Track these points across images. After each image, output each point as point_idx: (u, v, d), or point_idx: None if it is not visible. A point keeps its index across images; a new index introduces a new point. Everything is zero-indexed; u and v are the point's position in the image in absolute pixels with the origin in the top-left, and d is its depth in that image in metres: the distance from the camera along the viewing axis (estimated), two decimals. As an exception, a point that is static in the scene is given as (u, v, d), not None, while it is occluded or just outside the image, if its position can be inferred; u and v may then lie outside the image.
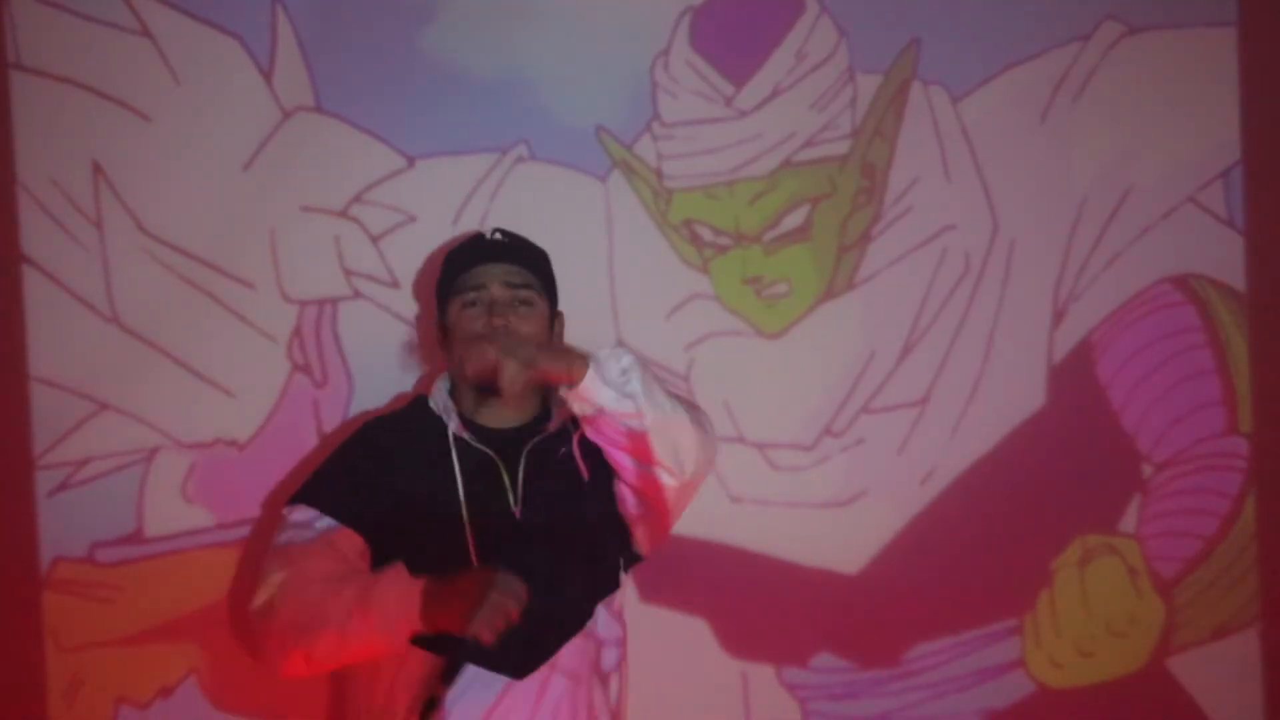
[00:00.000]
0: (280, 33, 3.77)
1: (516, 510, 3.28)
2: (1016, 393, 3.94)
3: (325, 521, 3.28)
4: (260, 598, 3.22)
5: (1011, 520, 3.92)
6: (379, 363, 3.74)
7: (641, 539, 3.41)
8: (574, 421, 3.25)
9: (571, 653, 3.27)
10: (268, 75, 3.76)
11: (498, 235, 3.44)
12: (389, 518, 3.28)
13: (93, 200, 3.75)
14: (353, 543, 3.27)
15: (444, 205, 3.77)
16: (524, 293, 3.35)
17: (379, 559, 3.21)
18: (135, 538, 3.72)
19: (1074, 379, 3.93)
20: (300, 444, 3.80)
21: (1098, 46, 3.91)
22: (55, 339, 3.75)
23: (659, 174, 3.82)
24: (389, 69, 3.74)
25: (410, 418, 3.44)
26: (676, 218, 3.82)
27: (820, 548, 3.91)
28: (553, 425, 3.36)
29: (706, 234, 3.83)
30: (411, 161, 3.73)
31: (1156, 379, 3.95)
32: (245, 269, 3.78)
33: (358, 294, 3.78)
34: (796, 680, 3.88)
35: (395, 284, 3.76)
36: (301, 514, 3.31)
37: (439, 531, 3.27)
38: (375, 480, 3.32)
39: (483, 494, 3.31)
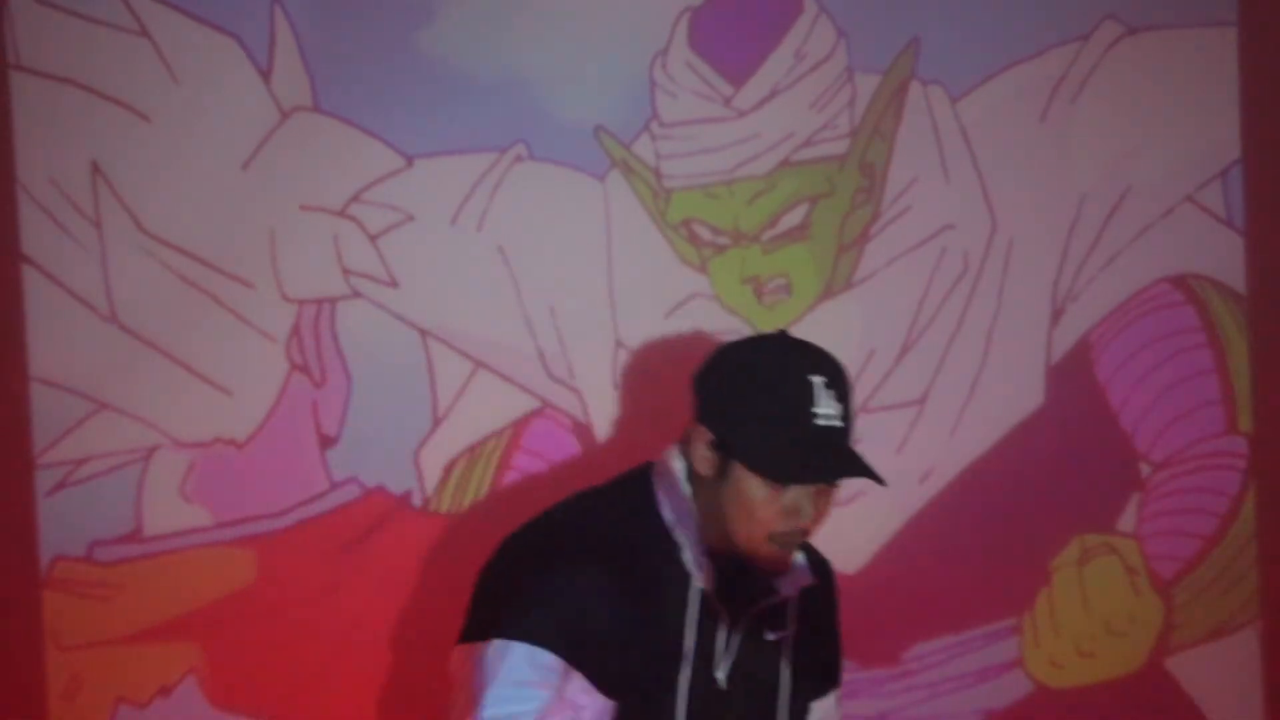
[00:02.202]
0: (278, 32, 3.77)
1: (720, 678, 3.02)
2: (1015, 392, 3.94)
3: (568, 679, 2.87)
4: None
5: (1010, 519, 3.93)
6: (377, 362, 3.75)
7: None
8: (807, 592, 3.06)
9: None
10: (266, 75, 3.76)
11: (836, 419, 2.95)
12: (613, 660, 2.95)
13: (92, 200, 3.75)
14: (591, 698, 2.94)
15: (443, 204, 3.77)
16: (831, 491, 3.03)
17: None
18: (134, 537, 3.74)
19: (1072, 378, 3.94)
20: (299, 444, 3.80)
21: (1097, 46, 3.91)
22: (55, 338, 3.75)
23: (658, 173, 3.82)
24: (387, 68, 3.75)
25: (642, 537, 3.04)
26: (675, 217, 3.82)
27: (819, 545, 3.69)
28: (785, 590, 3.06)
29: (705, 233, 3.83)
30: (410, 161, 3.74)
31: (1155, 378, 3.95)
32: (244, 268, 3.78)
33: (356, 293, 3.77)
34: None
35: (393, 283, 3.76)
36: (535, 657, 2.88)
37: (652, 689, 2.99)
38: (611, 624, 2.94)
39: (704, 655, 3.03)
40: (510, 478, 3.80)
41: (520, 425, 3.80)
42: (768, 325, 3.77)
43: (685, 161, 3.81)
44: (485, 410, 3.78)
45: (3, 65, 3.72)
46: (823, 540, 3.60)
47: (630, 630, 2.92)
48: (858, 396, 3.46)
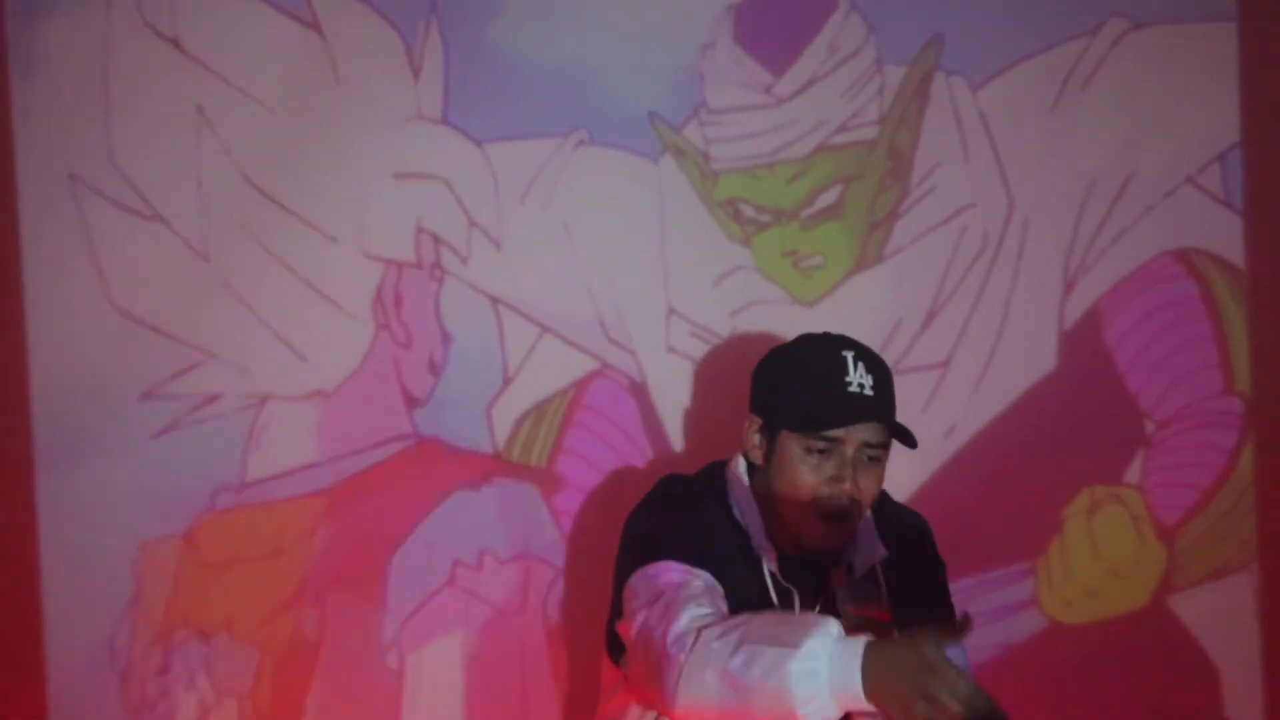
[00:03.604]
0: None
1: None
2: (1030, 356, 3.97)
3: (702, 578, 2.91)
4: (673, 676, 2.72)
5: (1026, 472, 3.96)
6: (453, 327, 3.79)
7: None
8: (883, 564, 3.09)
9: None
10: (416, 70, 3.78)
11: (868, 389, 3.06)
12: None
13: (195, 142, 3.76)
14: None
15: (513, 185, 3.82)
16: (875, 451, 3.06)
17: None
18: (238, 486, 3.79)
19: (1083, 344, 3.97)
20: (386, 397, 3.81)
21: (1104, 41, 3.94)
22: (165, 285, 3.77)
23: (706, 156, 3.87)
24: (462, 60, 3.81)
25: (728, 522, 3.12)
26: (722, 196, 3.88)
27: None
28: (859, 569, 3.10)
29: (749, 211, 3.89)
30: (480, 144, 3.80)
31: (1158, 344, 3.98)
32: (335, 229, 3.80)
33: (435, 265, 3.81)
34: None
35: (467, 257, 3.82)
36: (673, 572, 2.94)
37: None
38: (723, 571, 2.98)
39: None
40: (572, 432, 3.85)
41: (582, 384, 3.86)
42: (805, 295, 3.90)
43: (730, 145, 3.88)
44: (550, 371, 3.83)
45: (3, 58, 3.69)
46: None
47: (729, 593, 2.94)
48: (886, 360, 3.45)
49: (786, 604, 3.04)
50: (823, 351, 3.08)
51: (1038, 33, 3.94)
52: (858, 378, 3.03)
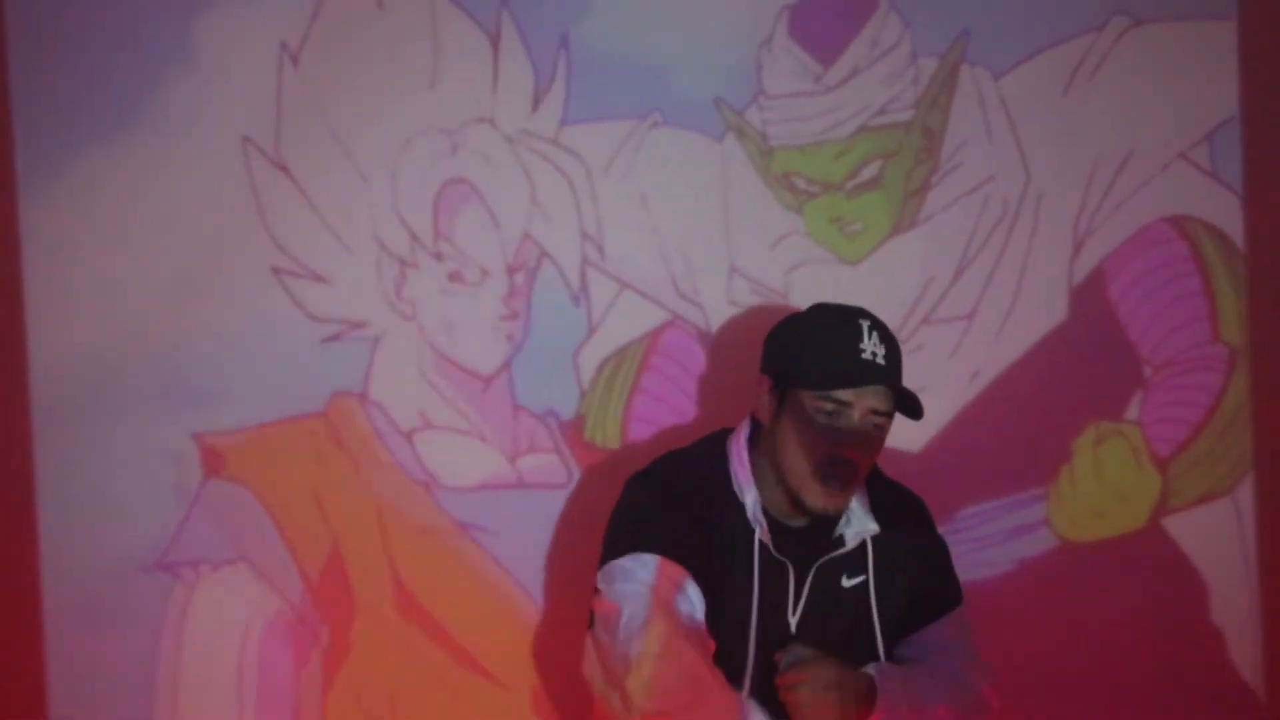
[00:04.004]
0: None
1: (793, 623, 3.04)
2: (1044, 309, 4.02)
3: (661, 568, 2.93)
4: (634, 682, 2.85)
5: (1039, 409, 4.01)
6: (544, 283, 3.90)
7: None
8: (874, 540, 3.06)
9: None
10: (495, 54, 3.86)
11: (880, 358, 3.00)
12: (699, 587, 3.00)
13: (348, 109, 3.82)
14: (679, 578, 2.96)
15: (597, 160, 3.92)
16: (881, 419, 3.00)
17: None
18: (363, 395, 3.88)
19: (1090, 298, 4.02)
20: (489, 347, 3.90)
21: (1109, 36, 3.98)
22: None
23: (764, 136, 3.93)
24: (550, 54, 3.91)
25: (716, 494, 3.08)
26: (777, 170, 3.94)
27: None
28: (850, 542, 3.05)
29: (800, 183, 3.95)
30: (561, 124, 3.91)
31: (1154, 298, 4.03)
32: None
33: (526, 236, 3.91)
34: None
35: (549, 219, 3.92)
36: (636, 563, 2.97)
37: (727, 632, 3.01)
38: (692, 545, 3.00)
39: (771, 598, 3.03)
40: (648, 374, 3.93)
41: (656, 334, 3.96)
42: (849, 256, 3.96)
43: (785, 126, 3.95)
44: (628, 322, 3.93)
45: (3, 48, 3.70)
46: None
47: (709, 575, 2.97)
48: (920, 312, 3.84)
49: (778, 576, 3.00)
50: (839, 318, 3.02)
51: (1051, 29, 3.97)
52: (871, 346, 2.97)
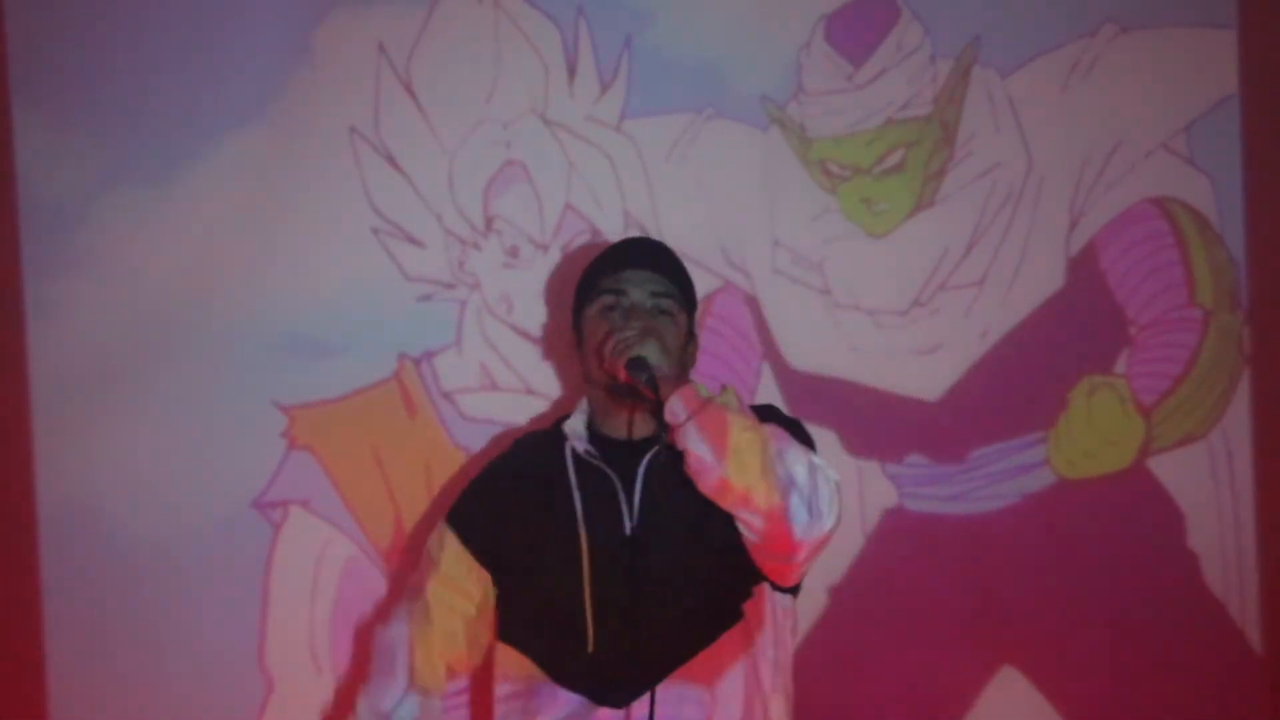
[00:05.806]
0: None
1: (629, 526, 2.85)
2: (1045, 276, 4.21)
3: (456, 550, 2.93)
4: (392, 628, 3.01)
5: (1041, 363, 4.19)
6: None
7: (771, 572, 2.88)
8: None
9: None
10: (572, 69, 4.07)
11: (645, 249, 3.03)
12: (515, 550, 2.93)
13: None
14: (480, 577, 2.96)
15: (659, 148, 4.12)
16: (665, 302, 2.91)
17: (503, 591, 3.01)
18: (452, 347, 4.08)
19: (1084, 267, 4.19)
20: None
21: (1100, 41, 4.18)
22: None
23: (803, 128, 4.14)
24: (614, 56, 4.12)
25: (546, 437, 3.03)
26: (814, 157, 4.14)
27: (911, 382, 4.18)
28: (675, 438, 2.76)
29: (834, 168, 4.14)
30: (621, 117, 4.10)
31: (1140, 267, 4.21)
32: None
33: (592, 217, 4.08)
34: (894, 472, 4.16)
35: (623, 199, 4.11)
36: (445, 538, 3.00)
37: (558, 555, 2.87)
38: (507, 509, 2.96)
39: (599, 513, 2.89)
40: (702, 334, 3.88)
41: (710, 298, 4.10)
42: (876, 231, 4.15)
43: (821, 119, 4.16)
44: None
45: (2, 50, 3.81)
46: (914, 377, 4.13)
47: (526, 510, 2.94)
48: (937, 279, 4.05)
49: (603, 487, 2.87)
50: (606, 250, 3.06)
51: (1051, 35, 4.18)
52: (634, 247, 3.06)
